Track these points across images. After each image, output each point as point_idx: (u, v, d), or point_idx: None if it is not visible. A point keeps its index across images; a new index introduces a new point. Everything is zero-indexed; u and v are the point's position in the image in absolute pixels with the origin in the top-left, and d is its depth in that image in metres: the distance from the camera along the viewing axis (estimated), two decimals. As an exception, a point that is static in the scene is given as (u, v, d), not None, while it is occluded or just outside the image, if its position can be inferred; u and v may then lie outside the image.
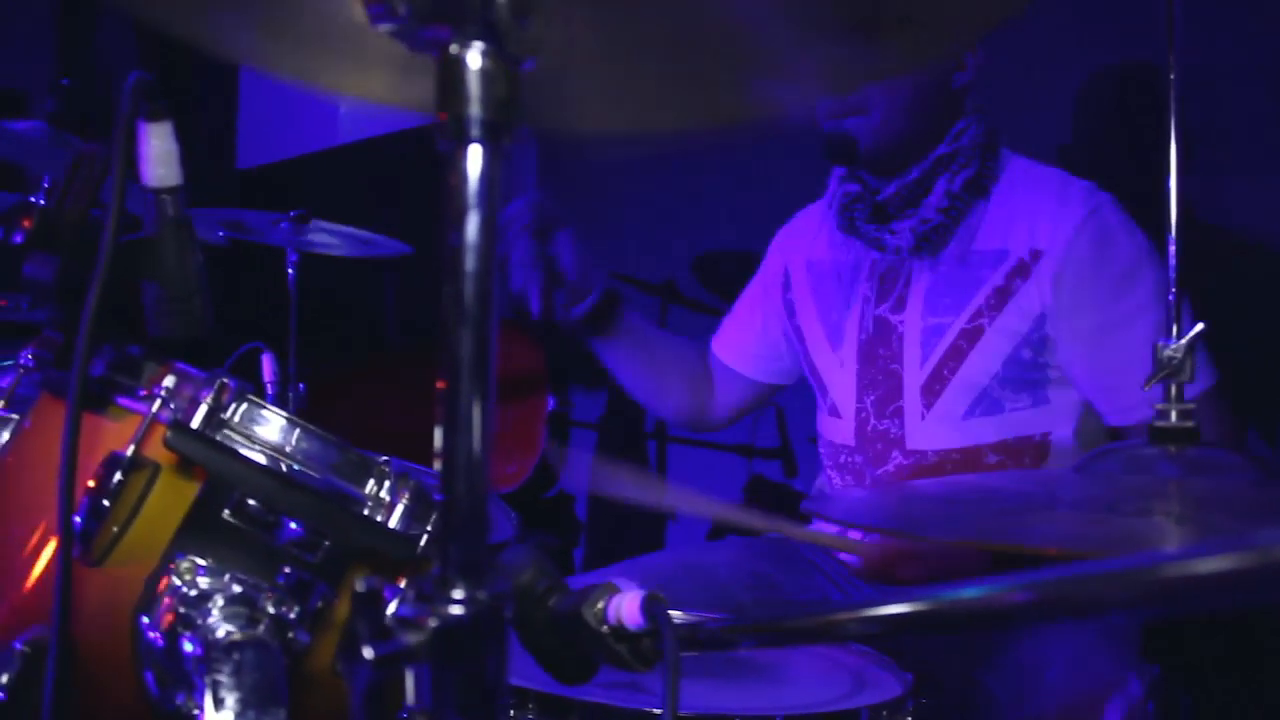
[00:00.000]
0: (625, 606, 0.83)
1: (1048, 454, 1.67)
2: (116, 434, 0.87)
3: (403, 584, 0.61)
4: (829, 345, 1.83)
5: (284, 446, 0.90)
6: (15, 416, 0.95)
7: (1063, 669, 1.46)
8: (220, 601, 0.84)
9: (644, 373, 2.01)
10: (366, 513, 0.91)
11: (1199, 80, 1.84)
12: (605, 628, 0.83)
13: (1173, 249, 1.04)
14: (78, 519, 0.83)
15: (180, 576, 0.85)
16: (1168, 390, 1.00)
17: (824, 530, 1.73)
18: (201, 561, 0.86)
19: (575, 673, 0.88)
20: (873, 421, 1.76)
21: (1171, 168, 1.01)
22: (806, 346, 1.88)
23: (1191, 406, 1.01)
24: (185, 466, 0.86)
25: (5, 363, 1.03)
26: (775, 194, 2.27)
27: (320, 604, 0.88)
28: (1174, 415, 1.00)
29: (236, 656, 0.78)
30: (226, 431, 0.88)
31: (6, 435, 0.95)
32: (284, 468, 0.89)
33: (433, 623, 0.58)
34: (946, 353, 1.68)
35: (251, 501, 0.86)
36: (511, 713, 1.14)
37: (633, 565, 1.75)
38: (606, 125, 0.79)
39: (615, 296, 1.89)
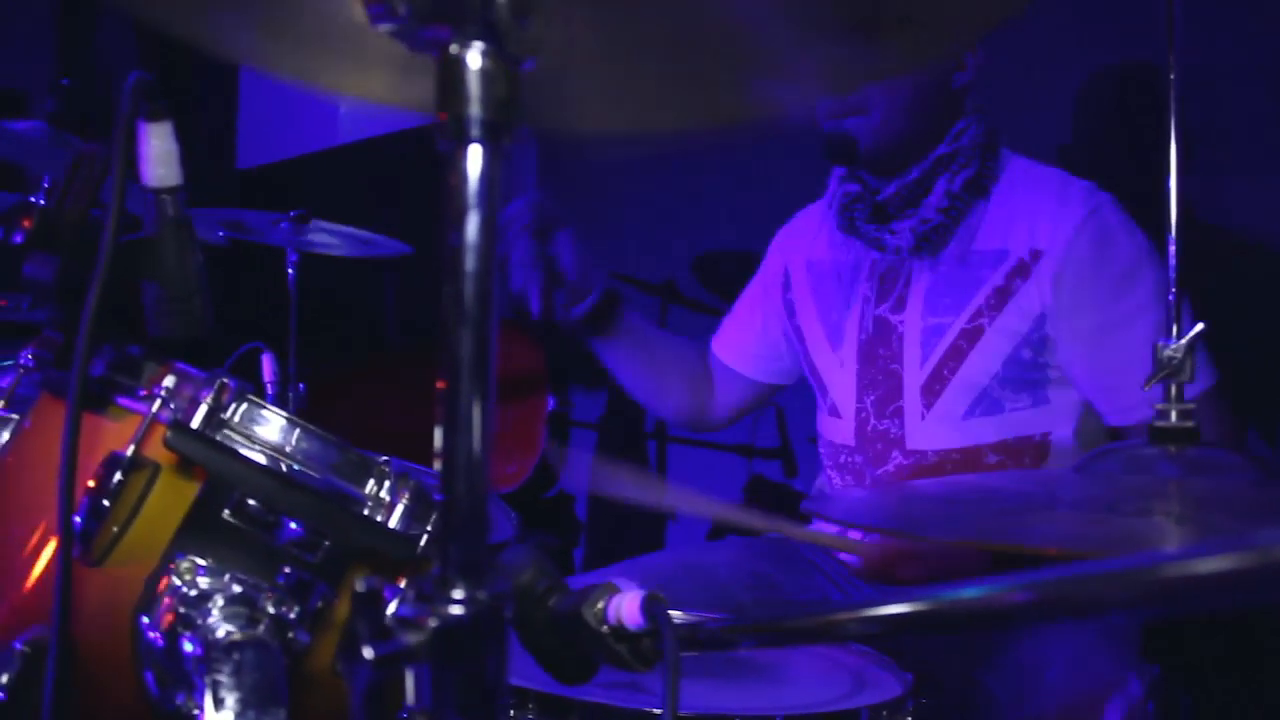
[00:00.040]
0: (625, 606, 0.83)
1: (1048, 454, 1.67)
2: (116, 434, 0.87)
3: (403, 584, 0.61)
4: (829, 345, 1.83)
5: (284, 446, 0.90)
6: (15, 416, 0.95)
7: (1063, 669, 1.46)
8: (220, 601, 0.84)
9: (644, 373, 2.01)
10: (366, 513, 0.91)
11: (1199, 80, 1.84)
12: (605, 628, 0.83)
13: (1173, 249, 1.04)
14: (78, 519, 0.83)
15: (180, 576, 0.85)
16: (1168, 390, 1.00)
17: (824, 530, 1.73)
18: (201, 561, 0.86)
19: (575, 673, 0.88)
20: (873, 421, 1.76)
21: (1172, 167, 1.01)
22: (806, 346, 1.88)
23: (1192, 406, 1.01)
24: (185, 466, 0.86)
25: (5, 363, 1.03)
26: (775, 194, 2.27)
27: (320, 604, 0.88)
28: (1174, 415, 1.00)
29: (236, 656, 0.78)
30: (226, 431, 0.88)
31: (6, 435, 0.95)
32: (284, 468, 0.89)
33: (433, 623, 0.58)
34: (946, 353, 1.68)
35: (251, 501, 0.86)
36: (511, 713, 1.14)
37: (632, 565, 1.75)
38: (606, 125, 0.79)
39: (615, 296, 1.89)
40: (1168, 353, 1.00)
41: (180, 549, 0.85)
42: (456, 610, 0.58)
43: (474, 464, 0.59)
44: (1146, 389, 1.02)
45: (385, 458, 0.94)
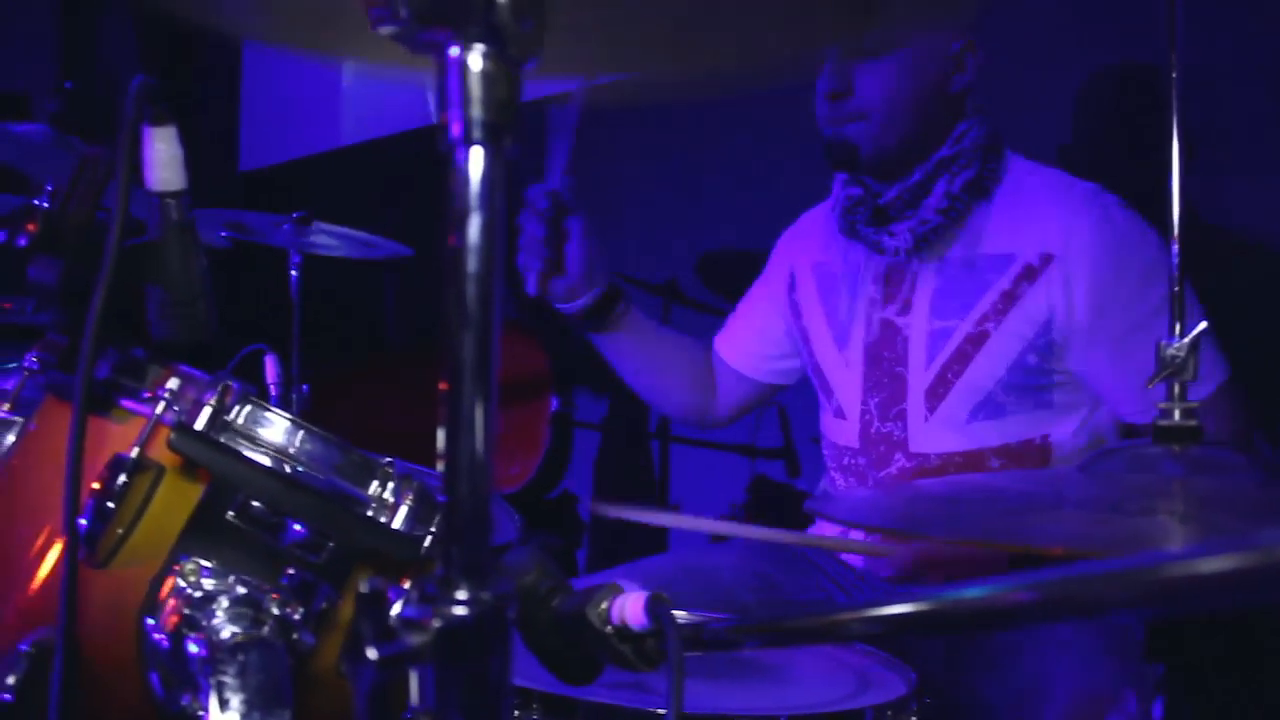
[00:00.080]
0: (629, 607, 0.83)
1: (1049, 457, 1.67)
2: (121, 436, 0.88)
3: (407, 585, 0.61)
4: (835, 347, 1.83)
5: (287, 448, 0.90)
6: (20, 419, 0.96)
7: (1066, 670, 1.46)
8: (225, 603, 0.84)
9: (646, 370, 2.01)
10: (370, 514, 0.91)
11: (1200, 80, 1.84)
12: (609, 628, 0.83)
13: (1175, 248, 1.04)
14: (83, 521, 0.84)
15: (185, 578, 0.85)
16: (1171, 389, 1.00)
17: (843, 537, 1.73)
18: (206, 563, 0.86)
19: (579, 673, 0.88)
20: (876, 424, 1.75)
21: (1174, 167, 1.01)
22: (812, 348, 1.88)
23: (1195, 405, 1.01)
24: (189, 468, 0.86)
25: (10, 366, 1.03)
26: (778, 194, 2.27)
27: (324, 605, 0.88)
28: (1177, 414, 1.00)
29: (241, 658, 0.79)
30: (230, 433, 0.89)
31: (11, 438, 0.95)
32: (288, 469, 0.89)
33: (437, 624, 0.58)
34: (952, 357, 1.68)
35: (255, 503, 0.86)
36: (516, 713, 1.14)
37: (634, 568, 1.75)
38: (608, 71, 0.78)
39: (617, 293, 1.88)
40: (1170, 351, 1.00)
41: (185, 550, 0.86)
42: (460, 611, 0.59)
43: (477, 465, 0.59)
44: (1150, 387, 1.02)
45: (389, 459, 0.94)
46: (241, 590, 0.85)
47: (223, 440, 0.88)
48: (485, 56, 0.57)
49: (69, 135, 2.25)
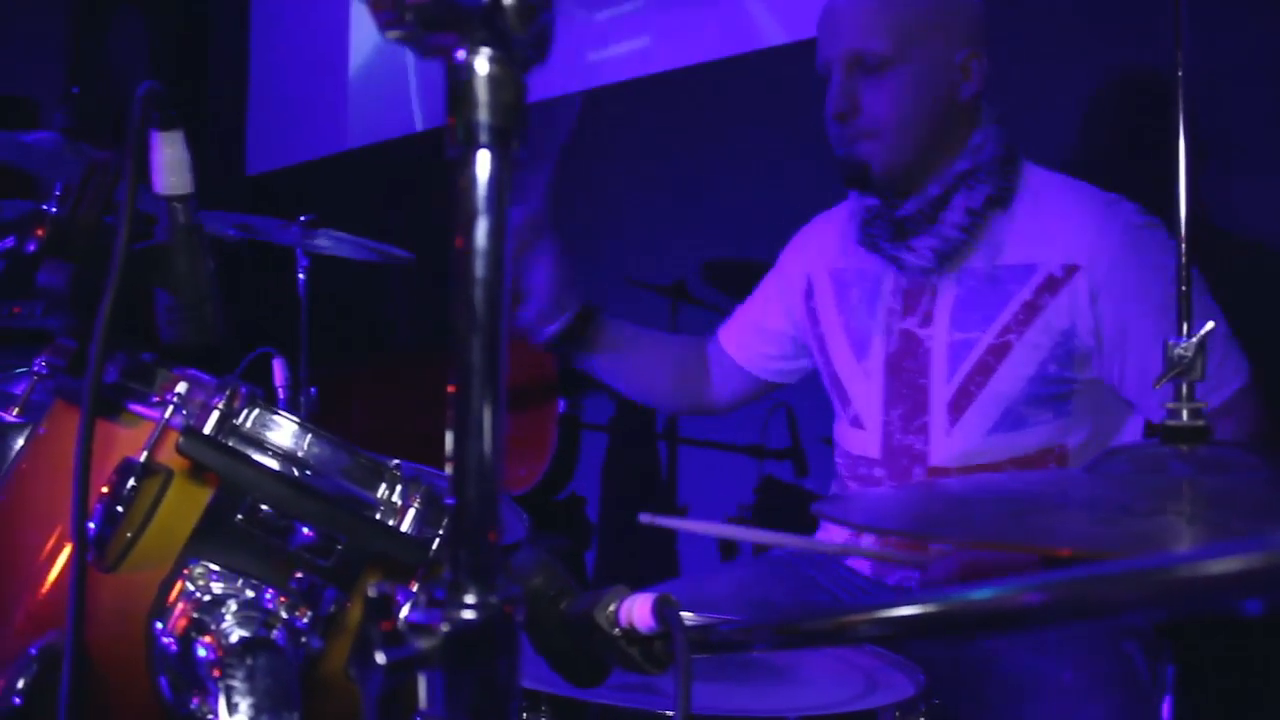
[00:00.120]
0: (637, 609, 0.83)
1: (1066, 465, 1.67)
2: (129, 440, 0.88)
3: (415, 588, 0.61)
4: (853, 357, 1.82)
5: (296, 451, 0.90)
6: (30, 423, 0.96)
7: (1072, 672, 1.45)
8: (233, 606, 0.84)
9: (625, 377, 2.03)
10: (378, 517, 0.91)
11: (1208, 83, 1.83)
12: (617, 630, 0.83)
13: (1182, 247, 1.03)
14: (92, 525, 0.84)
15: (193, 581, 0.85)
16: (1178, 389, 1.00)
17: (859, 540, 1.73)
18: (214, 566, 0.86)
19: (588, 675, 0.88)
20: (898, 436, 1.74)
21: (1181, 170, 1.01)
22: (829, 356, 1.87)
23: (1203, 405, 1.01)
24: (198, 472, 0.86)
25: (19, 370, 1.03)
26: (786, 195, 2.27)
27: (333, 608, 0.89)
28: (1185, 414, 0.99)
29: (250, 661, 0.79)
30: (238, 437, 0.89)
31: (21, 442, 0.95)
32: (296, 473, 0.89)
33: (445, 627, 0.58)
34: (974, 368, 1.67)
35: (264, 506, 0.86)
36: (525, 716, 1.14)
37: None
38: None
39: (590, 314, 1.89)
40: (1178, 351, 1.00)
41: (193, 554, 0.86)
42: (468, 614, 0.59)
43: (485, 468, 0.59)
44: (1157, 387, 1.01)
45: (396, 461, 0.94)
46: (250, 594, 0.86)
47: (231, 444, 0.88)
48: (491, 60, 0.58)
49: (79, 141, 2.26)
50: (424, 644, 0.58)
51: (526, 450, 3.24)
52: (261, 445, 0.89)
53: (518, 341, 1.98)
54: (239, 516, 0.86)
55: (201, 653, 0.81)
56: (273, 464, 0.89)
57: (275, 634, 0.83)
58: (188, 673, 0.83)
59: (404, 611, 0.60)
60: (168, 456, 0.86)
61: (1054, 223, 1.65)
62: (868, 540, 1.78)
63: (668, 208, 3.21)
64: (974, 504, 1.08)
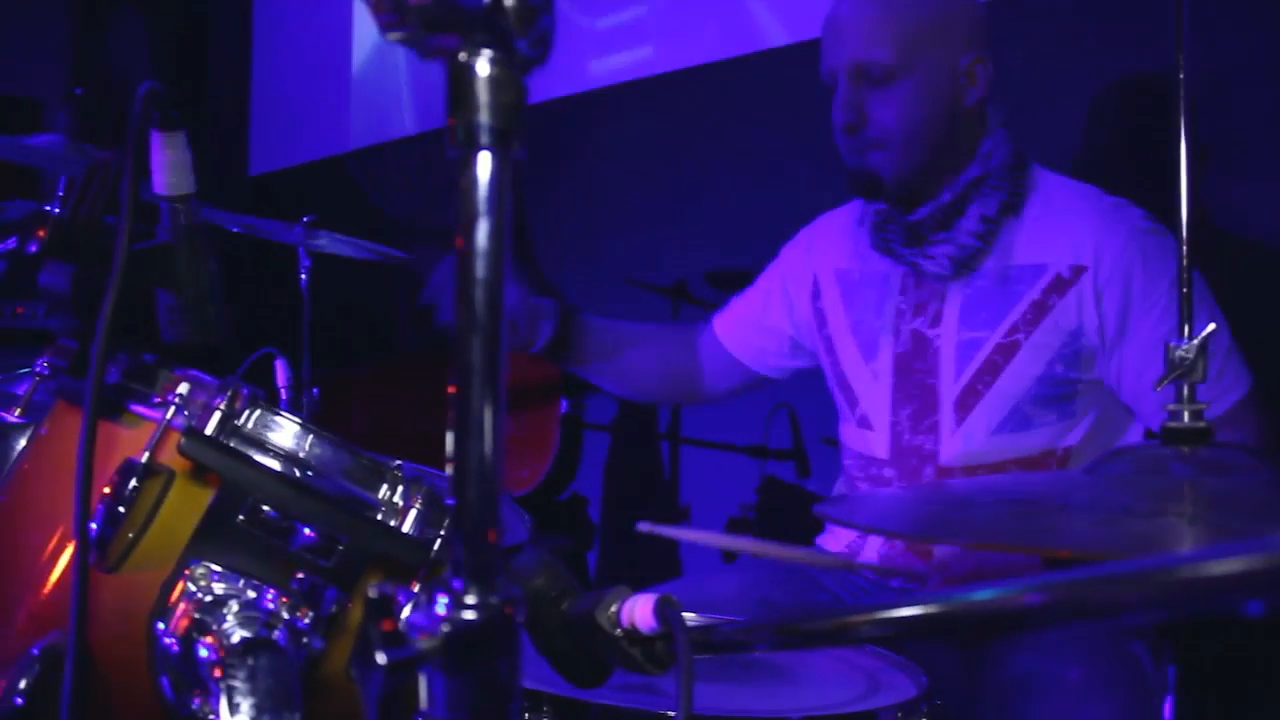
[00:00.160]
0: (639, 610, 0.83)
1: (1068, 466, 1.67)
2: (131, 441, 0.88)
3: (416, 588, 0.61)
4: (861, 358, 1.82)
5: (297, 452, 0.90)
6: (32, 424, 0.96)
7: (1077, 673, 1.45)
8: (235, 606, 0.84)
9: (613, 377, 2.05)
10: (380, 518, 0.91)
11: (1211, 85, 1.83)
12: (619, 631, 0.83)
13: (1184, 249, 1.03)
14: (94, 525, 0.84)
15: (195, 582, 0.86)
16: (1179, 391, 1.00)
17: (865, 541, 1.73)
18: (216, 567, 0.86)
19: (590, 676, 0.88)
20: (907, 436, 1.75)
21: (1182, 169, 1.01)
22: (837, 358, 1.87)
23: (1205, 406, 1.01)
24: (199, 473, 0.86)
25: (21, 370, 1.04)
26: (785, 196, 2.27)
27: (334, 609, 0.89)
28: (1186, 416, 0.99)
29: (251, 661, 0.79)
30: (240, 438, 0.89)
31: (23, 442, 0.96)
32: (297, 474, 0.89)
33: (445, 628, 0.58)
34: (982, 367, 1.67)
35: (265, 507, 0.86)
36: (526, 716, 1.14)
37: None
38: None
39: (568, 325, 1.91)
40: (1179, 353, 0.99)
41: (195, 555, 0.86)
42: (469, 615, 0.59)
43: (486, 468, 0.59)
44: (1158, 389, 1.01)
45: (398, 462, 0.94)
46: (252, 594, 0.86)
47: (233, 445, 0.88)
48: (492, 62, 0.58)
49: (82, 142, 2.26)
50: (425, 644, 0.58)
51: (529, 451, 3.24)
52: (263, 446, 0.89)
53: (539, 360, 2.00)
54: (240, 517, 0.86)
55: (203, 653, 0.81)
56: (274, 465, 0.89)
57: (277, 634, 0.83)
58: (189, 673, 0.83)
59: (405, 612, 0.60)
60: (169, 457, 0.86)
61: (1062, 225, 1.66)
62: (868, 551, 1.79)
63: (669, 208, 3.21)
64: (976, 505, 1.08)
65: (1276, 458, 1.14)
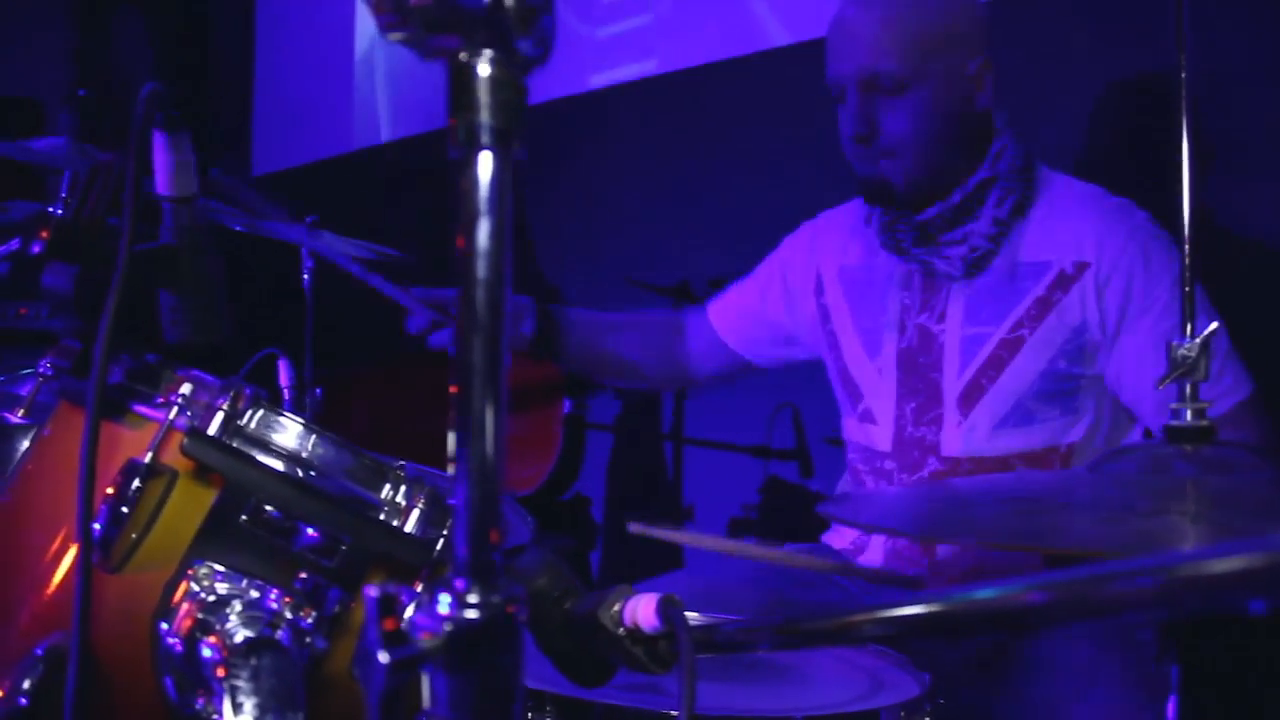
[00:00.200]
0: (641, 609, 0.83)
1: (1071, 462, 1.68)
2: (134, 441, 0.88)
3: (419, 588, 0.62)
4: (865, 353, 1.83)
5: (300, 452, 0.90)
6: (35, 425, 0.96)
7: (1082, 673, 1.45)
8: (238, 607, 0.84)
9: (600, 367, 2.09)
10: (382, 518, 0.91)
11: (1214, 85, 1.83)
12: (622, 630, 0.83)
13: (1187, 247, 1.03)
14: (97, 526, 0.84)
15: (198, 582, 0.86)
16: (1182, 389, 1.00)
17: (868, 541, 1.74)
18: (219, 567, 0.86)
19: (592, 675, 0.88)
20: (910, 429, 1.75)
21: (1184, 167, 1.01)
22: (841, 353, 1.87)
23: (1207, 404, 1.01)
24: (202, 473, 0.86)
25: (24, 371, 1.04)
26: (787, 196, 2.27)
27: (337, 609, 0.89)
28: (1188, 414, 0.99)
29: (254, 661, 0.79)
30: (243, 438, 0.89)
31: (26, 443, 0.96)
32: (300, 474, 0.90)
33: (448, 627, 0.58)
34: (987, 362, 1.68)
35: (268, 507, 0.86)
36: (530, 716, 1.14)
37: (642, 589, 1.75)
38: None
39: (548, 322, 1.95)
40: (1182, 351, 0.99)
41: (198, 555, 0.86)
42: (472, 614, 0.59)
43: (488, 468, 0.59)
44: (1160, 388, 1.01)
45: (401, 462, 0.95)
46: (255, 594, 0.86)
47: (235, 445, 0.88)
48: (493, 62, 0.58)
49: (85, 143, 2.27)
50: (427, 644, 0.58)
51: (532, 451, 3.24)
52: (266, 446, 0.90)
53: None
54: (243, 517, 0.86)
55: (206, 653, 0.82)
56: (277, 465, 0.89)
57: (280, 634, 0.83)
58: (193, 673, 0.83)
59: (408, 612, 0.60)
60: (172, 457, 0.86)
61: (1067, 223, 1.67)
62: (870, 551, 1.79)
63: (670, 208, 3.21)
64: (979, 504, 1.08)
65: (1278, 457, 1.14)
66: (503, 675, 0.60)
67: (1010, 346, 1.67)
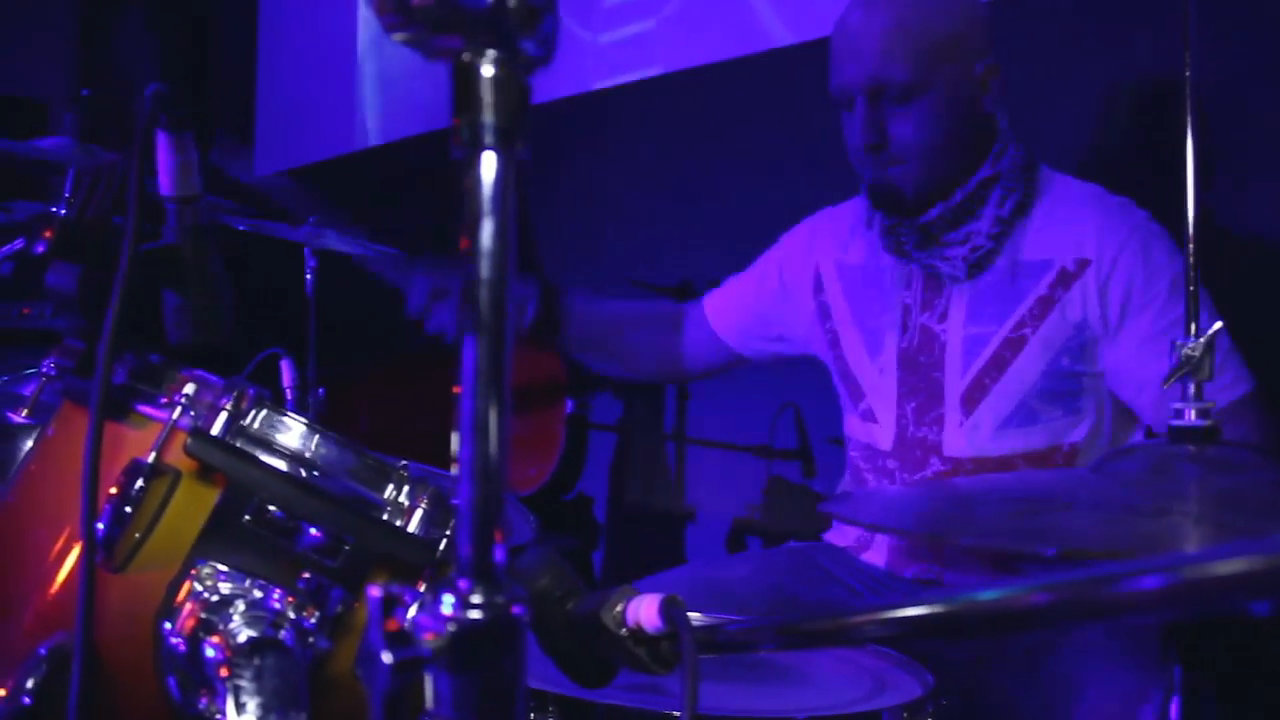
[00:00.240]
0: (644, 609, 0.83)
1: (1074, 461, 1.68)
2: (138, 441, 0.88)
3: (422, 588, 0.62)
4: (867, 352, 1.83)
5: (303, 452, 0.90)
6: (38, 424, 0.96)
7: (1086, 674, 1.45)
8: (241, 606, 0.84)
9: (600, 356, 2.10)
10: (385, 518, 0.91)
11: (1219, 87, 1.83)
12: (624, 630, 0.83)
13: (1191, 247, 1.03)
14: (100, 525, 0.84)
15: (201, 582, 0.86)
16: (1185, 388, 1.00)
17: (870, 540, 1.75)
18: (222, 567, 0.86)
19: (595, 676, 0.88)
20: (912, 428, 1.76)
21: (1189, 167, 1.00)
22: (842, 351, 1.87)
23: (1210, 405, 1.00)
24: (206, 473, 0.86)
25: (28, 371, 1.04)
26: (788, 196, 2.26)
27: (340, 609, 0.89)
28: (1192, 414, 0.99)
29: (258, 661, 0.79)
30: (246, 438, 0.89)
31: (30, 443, 0.96)
32: (303, 474, 0.90)
33: (451, 627, 0.58)
34: (989, 361, 1.68)
35: (271, 507, 0.87)
36: (532, 716, 1.14)
37: (647, 584, 1.75)
38: None
39: (550, 305, 1.95)
40: (1186, 350, 0.99)
41: (201, 555, 0.86)
42: (475, 614, 0.59)
43: (491, 468, 0.59)
44: (1165, 387, 1.01)
45: (404, 462, 0.95)
46: (258, 594, 0.86)
47: (239, 445, 0.88)
48: (496, 63, 0.58)
49: (90, 144, 2.27)
50: (430, 644, 0.58)
51: (534, 450, 3.24)
52: (269, 446, 0.90)
53: (525, 342, 2.01)
54: (247, 517, 0.86)
55: (209, 653, 0.82)
56: (280, 465, 0.89)
57: (283, 634, 0.83)
58: (196, 673, 0.83)
59: (411, 612, 0.60)
60: (176, 457, 0.86)
61: (1068, 221, 1.67)
62: (874, 550, 1.79)
63: (671, 208, 3.21)
64: (981, 503, 1.08)
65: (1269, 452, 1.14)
66: (506, 676, 0.60)
67: (1013, 346, 1.67)
